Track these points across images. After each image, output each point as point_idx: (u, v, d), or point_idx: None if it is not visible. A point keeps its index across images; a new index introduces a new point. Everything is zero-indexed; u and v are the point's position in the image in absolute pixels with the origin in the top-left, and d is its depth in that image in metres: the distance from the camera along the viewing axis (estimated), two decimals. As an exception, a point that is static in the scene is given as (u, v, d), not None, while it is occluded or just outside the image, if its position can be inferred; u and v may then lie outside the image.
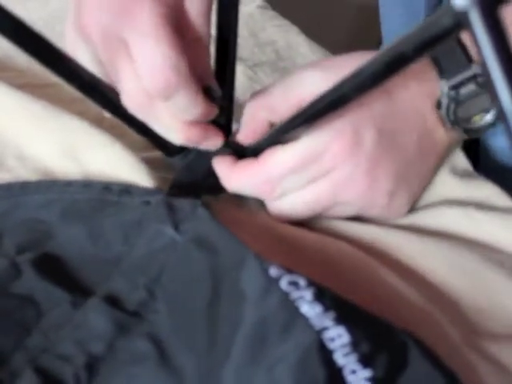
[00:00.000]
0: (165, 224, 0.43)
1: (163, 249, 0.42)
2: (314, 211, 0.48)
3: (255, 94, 0.50)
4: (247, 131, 0.49)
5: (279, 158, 0.46)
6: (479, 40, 0.24)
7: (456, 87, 0.46)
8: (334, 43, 0.89)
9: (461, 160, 0.54)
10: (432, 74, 0.47)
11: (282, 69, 0.71)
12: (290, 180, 0.46)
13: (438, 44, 0.29)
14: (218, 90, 0.47)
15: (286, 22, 0.79)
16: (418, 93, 0.48)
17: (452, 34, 0.28)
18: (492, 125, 0.48)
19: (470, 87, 0.46)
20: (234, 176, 0.48)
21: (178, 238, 0.42)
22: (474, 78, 0.46)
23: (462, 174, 0.53)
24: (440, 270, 0.45)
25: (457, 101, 0.46)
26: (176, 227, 0.43)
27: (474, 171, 0.54)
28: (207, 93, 0.46)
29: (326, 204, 0.47)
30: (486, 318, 0.42)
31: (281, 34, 0.76)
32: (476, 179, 0.53)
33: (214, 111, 0.46)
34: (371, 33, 1.10)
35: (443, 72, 0.46)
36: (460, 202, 0.51)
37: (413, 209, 0.51)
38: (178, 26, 0.43)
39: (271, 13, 0.80)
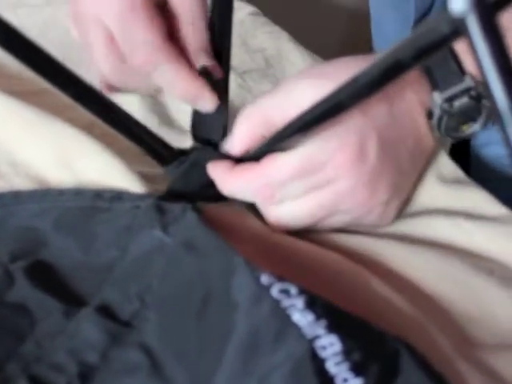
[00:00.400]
0: (154, 226, 0.43)
1: (153, 251, 0.42)
2: (313, 220, 0.48)
3: (248, 109, 0.49)
4: (240, 145, 0.49)
5: (281, 162, 0.45)
6: (477, 47, 0.24)
7: (449, 100, 0.46)
8: (324, 49, 0.89)
9: (448, 167, 0.55)
10: (426, 83, 0.47)
11: (271, 75, 0.71)
12: (290, 186, 0.46)
13: (436, 51, 0.29)
14: (216, 70, 0.50)
15: (276, 29, 0.78)
16: (414, 102, 0.48)
17: (449, 42, 0.28)
18: (477, 132, 0.48)
19: (464, 100, 0.46)
20: (231, 179, 0.48)
21: (166, 239, 0.42)
22: (467, 91, 0.45)
23: (450, 181, 0.53)
24: (430, 280, 0.45)
25: (450, 113, 0.46)
26: (164, 229, 0.43)
27: (463, 176, 0.54)
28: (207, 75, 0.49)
29: (325, 213, 0.47)
30: (477, 327, 0.42)
31: (271, 41, 0.76)
32: (465, 186, 0.53)
33: (203, 89, 0.49)
34: (362, 39, 1.10)
35: (436, 83, 0.46)
36: (449, 211, 0.51)
37: (403, 218, 0.51)
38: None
39: (262, 19, 0.80)
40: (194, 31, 0.49)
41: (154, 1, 0.49)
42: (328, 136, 0.44)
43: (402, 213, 0.52)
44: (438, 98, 0.46)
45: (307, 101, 0.41)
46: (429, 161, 0.53)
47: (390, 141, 0.47)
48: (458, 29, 0.26)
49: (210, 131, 0.52)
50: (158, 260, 0.41)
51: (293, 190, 0.46)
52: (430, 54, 0.30)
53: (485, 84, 0.25)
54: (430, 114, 0.47)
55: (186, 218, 0.43)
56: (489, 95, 0.25)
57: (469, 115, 0.46)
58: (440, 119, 0.47)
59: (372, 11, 0.91)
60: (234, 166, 0.48)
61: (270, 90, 0.49)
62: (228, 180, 0.48)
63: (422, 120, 0.48)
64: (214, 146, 0.51)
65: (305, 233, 0.49)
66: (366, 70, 0.35)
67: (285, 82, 0.48)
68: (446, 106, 0.46)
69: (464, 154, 0.72)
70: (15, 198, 0.47)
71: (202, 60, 0.50)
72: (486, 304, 0.44)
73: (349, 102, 0.38)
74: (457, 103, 0.46)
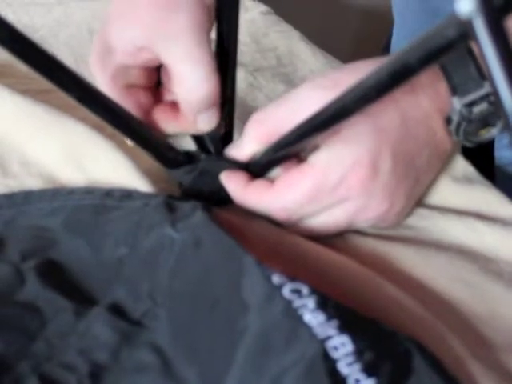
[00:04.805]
0: (163, 223, 0.43)
1: (161, 248, 0.42)
2: (330, 233, 0.49)
3: (258, 117, 0.49)
4: (249, 156, 0.49)
5: (293, 186, 0.46)
6: (484, 49, 0.24)
7: (469, 105, 0.45)
8: (336, 48, 0.89)
9: (460, 164, 0.54)
10: (443, 89, 0.46)
11: (283, 74, 0.71)
12: (305, 208, 0.47)
13: (444, 55, 0.29)
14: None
15: (288, 28, 0.79)
16: (430, 110, 0.47)
17: (457, 45, 0.28)
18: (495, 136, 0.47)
19: (483, 106, 0.45)
20: (247, 199, 0.48)
21: (174, 235, 0.42)
22: (487, 96, 0.45)
23: (461, 179, 0.53)
24: (441, 282, 0.45)
25: (469, 119, 0.46)
26: (173, 225, 0.43)
27: (475, 173, 0.54)
28: None
29: (342, 228, 0.48)
30: (488, 328, 0.42)
31: (283, 40, 0.76)
32: (477, 185, 0.53)
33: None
34: (374, 38, 1.10)
35: (456, 88, 0.45)
36: (460, 211, 0.51)
37: (414, 218, 0.51)
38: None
39: (274, 18, 0.80)
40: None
41: None
42: (338, 155, 0.45)
43: (411, 212, 0.52)
44: (457, 103, 0.46)
45: None
46: (444, 164, 0.53)
47: (404, 153, 0.47)
48: (466, 32, 0.25)
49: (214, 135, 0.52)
50: (167, 257, 0.41)
51: (308, 210, 0.47)
52: (438, 57, 0.30)
53: (493, 88, 0.24)
54: (448, 120, 0.47)
55: (195, 216, 0.43)
56: (496, 97, 0.24)
57: (488, 120, 0.46)
58: (459, 125, 0.46)
59: (395, 14, 0.89)
60: (248, 182, 0.49)
61: (281, 98, 0.49)
62: (242, 198, 0.49)
63: (438, 126, 0.48)
64: (218, 150, 0.51)
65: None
66: (373, 73, 0.35)
67: (296, 91, 0.48)
68: (465, 111, 0.45)
69: (489, 174, 0.71)
70: (26, 197, 0.47)
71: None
72: (496, 306, 0.44)
73: (355, 106, 0.38)
74: (476, 109, 0.45)
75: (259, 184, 0.48)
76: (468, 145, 0.48)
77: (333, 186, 0.45)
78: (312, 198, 0.46)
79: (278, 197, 0.47)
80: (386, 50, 0.98)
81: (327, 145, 0.45)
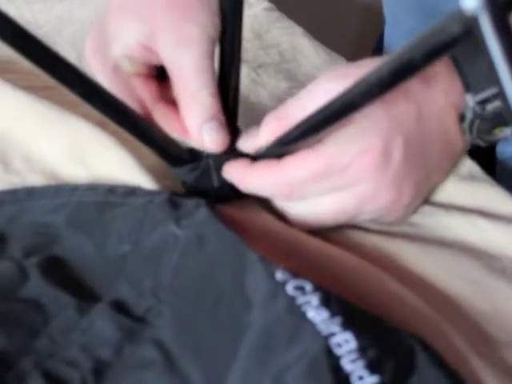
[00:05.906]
0: (167, 220, 0.43)
1: (165, 245, 0.42)
2: (338, 221, 0.48)
3: (275, 113, 0.48)
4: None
5: (302, 161, 0.45)
6: (489, 46, 0.24)
7: (482, 103, 0.45)
8: (339, 44, 0.88)
9: (466, 164, 0.54)
10: (458, 85, 0.46)
11: (286, 70, 0.71)
12: (310, 186, 0.46)
13: (447, 51, 0.29)
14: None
15: (291, 24, 0.78)
16: (445, 106, 0.47)
17: (461, 41, 0.28)
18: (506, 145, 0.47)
19: (496, 104, 0.44)
20: (250, 176, 0.48)
21: (178, 232, 0.42)
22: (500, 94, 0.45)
23: (465, 177, 0.53)
24: (443, 279, 0.45)
25: (482, 117, 0.45)
26: (177, 223, 0.43)
27: (479, 171, 0.54)
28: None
29: (350, 215, 0.47)
30: (491, 325, 0.43)
31: (285, 36, 0.76)
32: (480, 182, 0.53)
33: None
34: (377, 34, 1.09)
35: (469, 86, 0.45)
36: (464, 208, 0.51)
37: (418, 215, 0.51)
38: None
39: (277, 14, 0.80)
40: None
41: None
42: (352, 138, 0.44)
43: (417, 209, 0.51)
44: (470, 100, 0.45)
45: None
46: (454, 165, 0.53)
47: (417, 144, 0.46)
48: (470, 28, 0.25)
49: None
50: (170, 254, 0.41)
51: (313, 189, 0.46)
52: (442, 54, 0.30)
53: (498, 84, 0.24)
54: (462, 117, 0.47)
55: (199, 213, 0.43)
56: (502, 94, 0.24)
57: (501, 119, 0.45)
58: (472, 122, 0.46)
59: (387, 14, 0.89)
60: (252, 163, 0.48)
61: (299, 94, 0.48)
62: (247, 176, 0.48)
63: (452, 123, 0.47)
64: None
65: (318, 230, 0.49)
66: (376, 69, 0.35)
67: (310, 87, 0.47)
68: (478, 109, 0.45)
69: (491, 169, 0.71)
70: (28, 194, 0.47)
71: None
72: (498, 302, 0.44)
73: (359, 102, 0.38)
74: (489, 107, 0.45)
75: (265, 161, 0.47)
76: (482, 144, 0.48)
77: (343, 166, 0.44)
78: (320, 176, 0.45)
79: (285, 170, 0.46)
80: (377, 50, 0.98)
81: (341, 128, 0.45)
